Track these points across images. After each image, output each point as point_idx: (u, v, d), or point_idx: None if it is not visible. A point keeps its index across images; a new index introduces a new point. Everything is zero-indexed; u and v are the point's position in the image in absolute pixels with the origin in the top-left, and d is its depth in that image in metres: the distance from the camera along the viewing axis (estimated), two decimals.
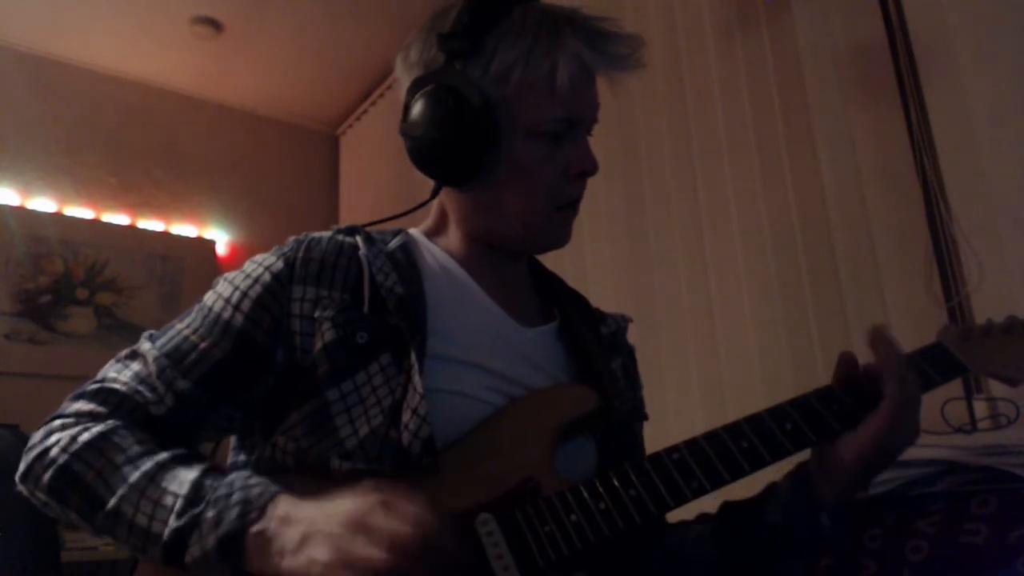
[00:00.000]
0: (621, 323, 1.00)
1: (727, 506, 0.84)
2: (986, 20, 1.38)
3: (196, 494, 0.65)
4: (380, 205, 3.15)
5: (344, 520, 0.60)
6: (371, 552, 0.58)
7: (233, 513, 0.63)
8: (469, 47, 0.80)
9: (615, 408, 0.84)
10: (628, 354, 1.00)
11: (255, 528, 0.62)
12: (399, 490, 0.63)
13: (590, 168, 0.84)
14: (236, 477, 0.67)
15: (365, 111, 3.49)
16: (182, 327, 0.80)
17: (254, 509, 0.63)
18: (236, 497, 0.64)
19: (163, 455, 0.70)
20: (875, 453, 0.71)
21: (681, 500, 0.69)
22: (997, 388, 1.27)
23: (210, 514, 0.64)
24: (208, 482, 0.67)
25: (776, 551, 0.78)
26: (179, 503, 0.65)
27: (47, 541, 1.18)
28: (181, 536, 0.63)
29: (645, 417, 0.99)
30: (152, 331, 0.82)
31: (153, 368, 0.76)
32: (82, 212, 3.01)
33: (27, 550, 1.12)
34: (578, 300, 0.98)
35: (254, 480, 0.67)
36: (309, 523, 0.61)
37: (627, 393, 0.93)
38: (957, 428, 1.16)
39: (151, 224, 3.15)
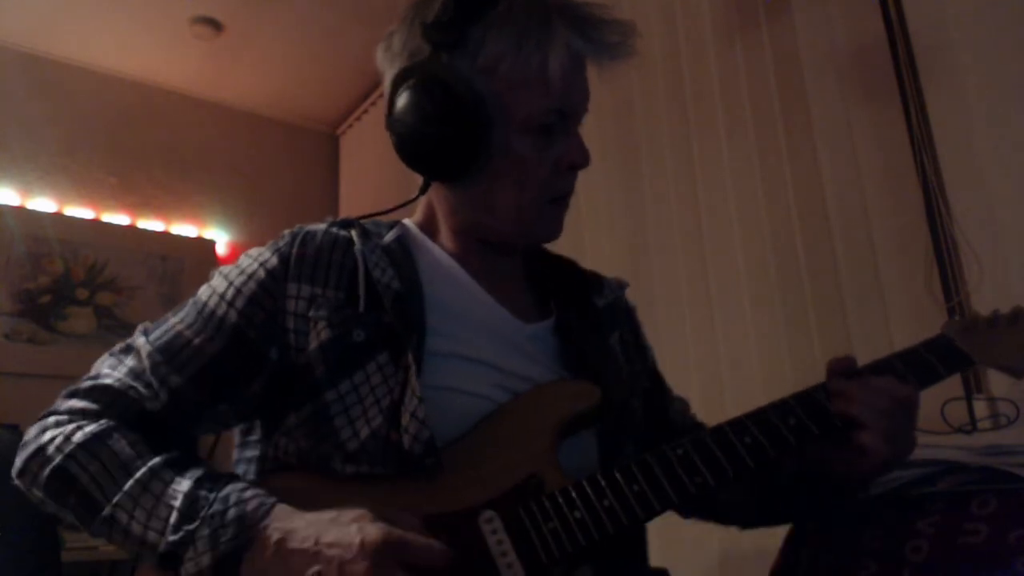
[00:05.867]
0: (618, 291, 0.98)
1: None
2: (986, 20, 1.38)
3: (191, 508, 0.64)
4: (380, 205, 3.09)
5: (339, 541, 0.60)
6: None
7: (229, 533, 0.63)
8: (456, 38, 0.77)
9: (614, 402, 0.83)
10: (628, 319, 0.98)
11: (251, 550, 0.62)
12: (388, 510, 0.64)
13: (582, 161, 0.82)
14: (231, 490, 0.66)
15: (365, 111, 3.49)
16: (176, 321, 0.78)
17: (249, 528, 0.63)
18: (232, 514, 0.63)
19: (156, 460, 0.68)
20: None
21: (684, 495, 0.69)
22: (997, 388, 1.27)
23: (205, 532, 0.63)
24: (203, 494, 0.65)
25: (797, 494, 0.83)
26: (173, 516, 0.64)
27: (47, 541, 1.17)
28: (175, 550, 0.63)
29: (662, 380, 1.00)
30: (146, 325, 0.80)
31: (147, 363, 0.75)
32: (82, 212, 3.00)
33: (27, 550, 1.12)
34: (573, 278, 0.95)
35: (249, 492, 0.66)
36: (309, 553, 0.61)
37: (629, 369, 0.92)
38: (957, 428, 1.16)
39: (151, 224, 3.15)
